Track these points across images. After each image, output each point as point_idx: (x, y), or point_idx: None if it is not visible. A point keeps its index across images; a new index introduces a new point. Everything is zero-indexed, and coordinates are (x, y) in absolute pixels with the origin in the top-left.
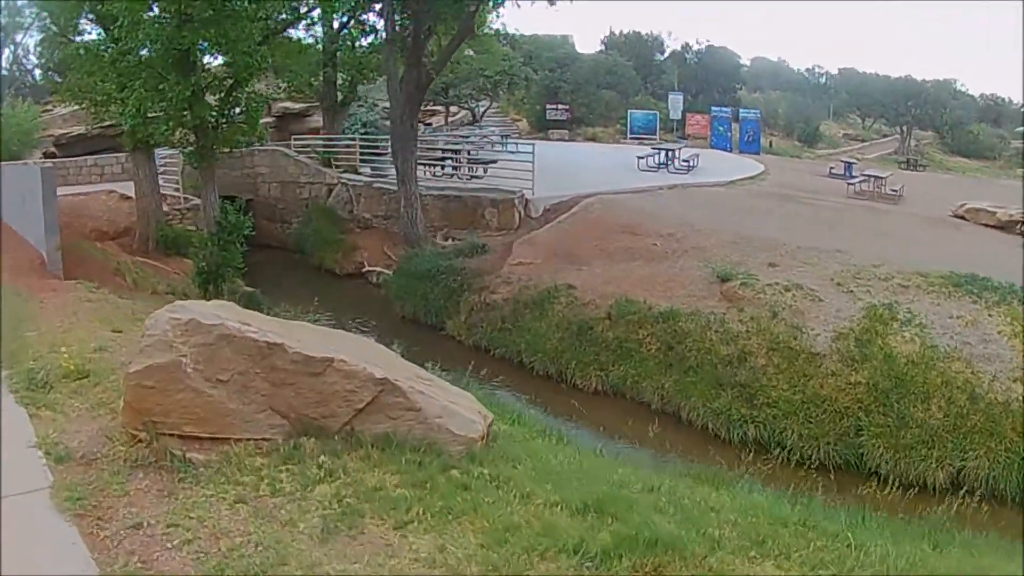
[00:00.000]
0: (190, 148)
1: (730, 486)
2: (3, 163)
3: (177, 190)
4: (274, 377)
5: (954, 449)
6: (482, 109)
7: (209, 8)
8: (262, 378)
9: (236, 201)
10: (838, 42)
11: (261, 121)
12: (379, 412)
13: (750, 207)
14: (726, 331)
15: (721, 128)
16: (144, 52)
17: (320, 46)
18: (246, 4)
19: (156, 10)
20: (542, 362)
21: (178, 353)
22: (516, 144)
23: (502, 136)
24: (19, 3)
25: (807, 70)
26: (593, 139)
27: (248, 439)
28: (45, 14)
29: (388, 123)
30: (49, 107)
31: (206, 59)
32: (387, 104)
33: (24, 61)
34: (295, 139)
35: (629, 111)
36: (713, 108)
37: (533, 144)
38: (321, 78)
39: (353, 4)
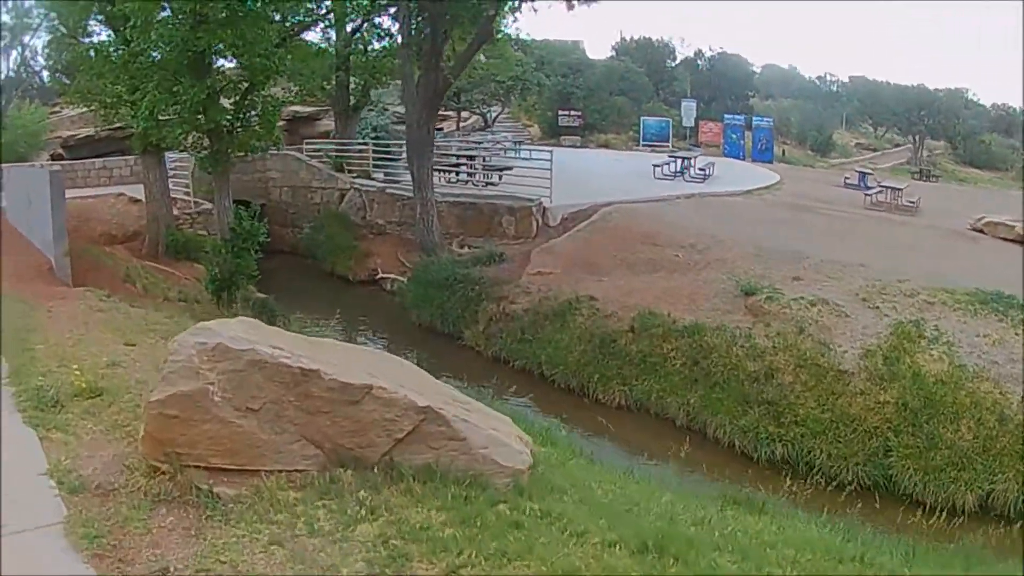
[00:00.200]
0: (204, 152)
1: (773, 514)
2: (10, 165)
3: (187, 194)
4: (308, 405)
5: (983, 471)
6: (494, 115)
7: (225, 8)
8: (295, 406)
9: (251, 207)
10: (847, 48)
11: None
12: (420, 442)
13: (768, 218)
14: (752, 347)
15: (734, 136)
16: (156, 54)
17: (333, 50)
18: (262, 5)
19: (169, 11)
20: (563, 375)
21: (205, 380)
22: (529, 151)
23: (515, 142)
24: (27, 4)
25: (818, 78)
26: (605, 146)
27: (280, 471)
28: (54, 15)
29: (399, 128)
30: (57, 109)
31: (218, 62)
32: (398, 109)
33: (32, 63)
34: (306, 143)
35: (642, 118)
36: (726, 116)
37: (551, 151)
38: (334, 82)
39: (367, 7)
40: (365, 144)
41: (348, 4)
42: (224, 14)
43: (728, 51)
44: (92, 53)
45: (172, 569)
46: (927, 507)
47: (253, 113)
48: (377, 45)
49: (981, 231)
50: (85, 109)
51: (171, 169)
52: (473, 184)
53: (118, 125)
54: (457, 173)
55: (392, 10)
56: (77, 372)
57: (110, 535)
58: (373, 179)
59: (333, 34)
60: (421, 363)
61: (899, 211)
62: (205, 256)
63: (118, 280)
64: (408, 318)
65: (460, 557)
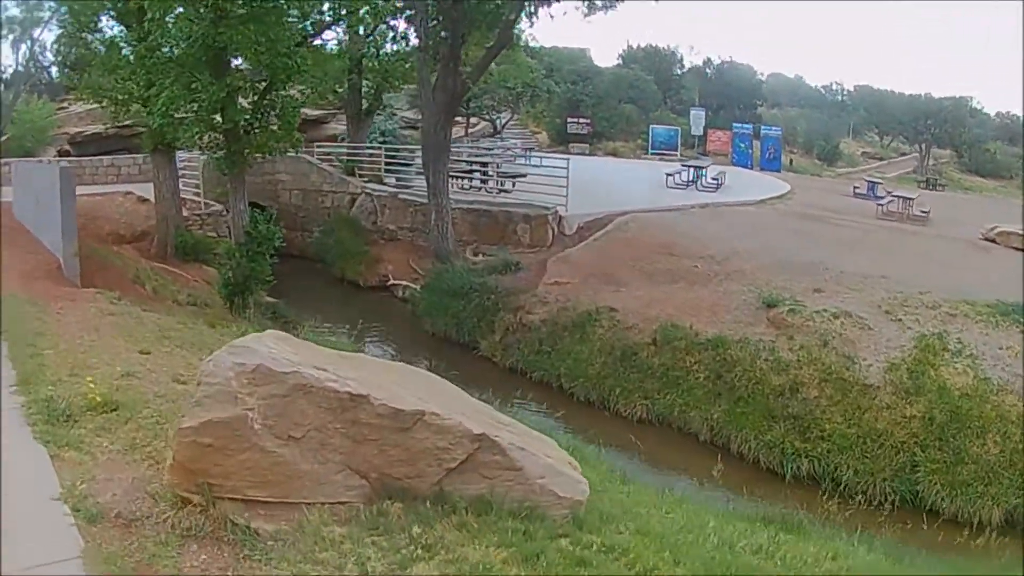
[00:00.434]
0: (220, 153)
1: (815, 536)
2: (17, 160)
3: (197, 194)
4: (355, 433)
5: (1009, 486)
6: (503, 121)
7: (246, 4)
8: (342, 434)
9: (266, 211)
10: (850, 54)
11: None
12: (474, 471)
13: (783, 228)
14: (776, 360)
15: (742, 145)
16: (168, 50)
17: (347, 52)
18: (285, 1)
19: (187, 6)
20: (583, 388)
21: (243, 406)
22: (540, 158)
23: (525, 149)
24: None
25: (824, 87)
26: (614, 154)
27: (323, 503)
28: (64, 9)
29: (407, 133)
30: (64, 105)
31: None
32: (406, 114)
33: (40, 58)
34: (317, 146)
35: (651, 126)
36: (735, 124)
37: (568, 159)
38: (346, 85)
39: (390, 8)
40: (377, 148)
41: (372, 5)
42: (244, 10)
43: (736, 60)
44: (104, 48)
45: None
46: (954, 522)
47: (272, 114)
48: (390, 48)
49: (993, 241)
50: (94, 105)
51: (180, 169)
52: (487, 191)
53: (126, 123)
54: (470, 179)
55: (408, 13)
56: (91, 383)
57: (135, 574)
58: (384, 184)
59: (344, 36)
60: (437, 373)
61: (911, 221)
62: (215, 259)
63: (127, 281)
64: (421, 326)
65: None
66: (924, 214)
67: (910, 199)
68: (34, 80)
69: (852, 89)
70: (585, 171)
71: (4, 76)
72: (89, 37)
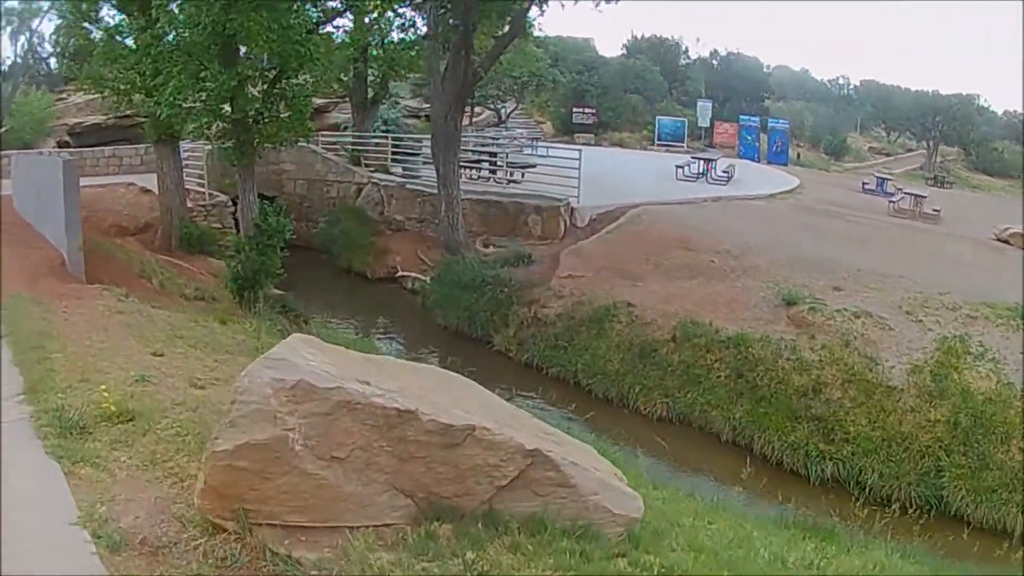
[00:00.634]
0: (229, 143)
1: (853, 544)
2: (17, 152)
3: (201, 185)
4: (402, 451)
5: None
6: (508, 111)
7: None
8: (387, 453)
9: (276, 202)
10: (854, 48)
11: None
12: (525, 488)
13: (796, 223)
14: (799, 360)
15: (749, 138)
16: (171, 37)
17: (351, 40)
18: None
19: None
20: (601, 384)
21: (283, 427)
22: (547, 148)
23: (530, 139)
24: None
25: (830, 81)
26: (619, 144)
27: (367, 527)
28: None
29: (410, 121)
30: (63, 96)
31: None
32: (409, 102)
33: (39, 48)
34: (322, 136)
35: (657, 117)
36: (742, 117)
37: (580, 150)
38: (351, 73)
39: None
40: (383, 138)
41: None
42: None
43: (746, 53)
44: (106, 37)
45: None
46: (979, 528)
47: (283, 103)
48: (396, 36)
49: (1007, 242)
50: (93, 96)
51: (183, 159)
52: (495, 181)
53: (126, 113)
54: (479, 170)
55: (416, 1)
56: (104, 391)
57: None
58: (391, 174)
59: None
60: (451, 368)
61: (922, 219)
62: (221, 251)
63: (133, 275)
64: (431, 319)
65: None
66: (935, 212)
67: (922, 197)
68: (32, 71)
69: (858, 84)
70: (592, 162)
71: (2, 68)
72: (89, 26)
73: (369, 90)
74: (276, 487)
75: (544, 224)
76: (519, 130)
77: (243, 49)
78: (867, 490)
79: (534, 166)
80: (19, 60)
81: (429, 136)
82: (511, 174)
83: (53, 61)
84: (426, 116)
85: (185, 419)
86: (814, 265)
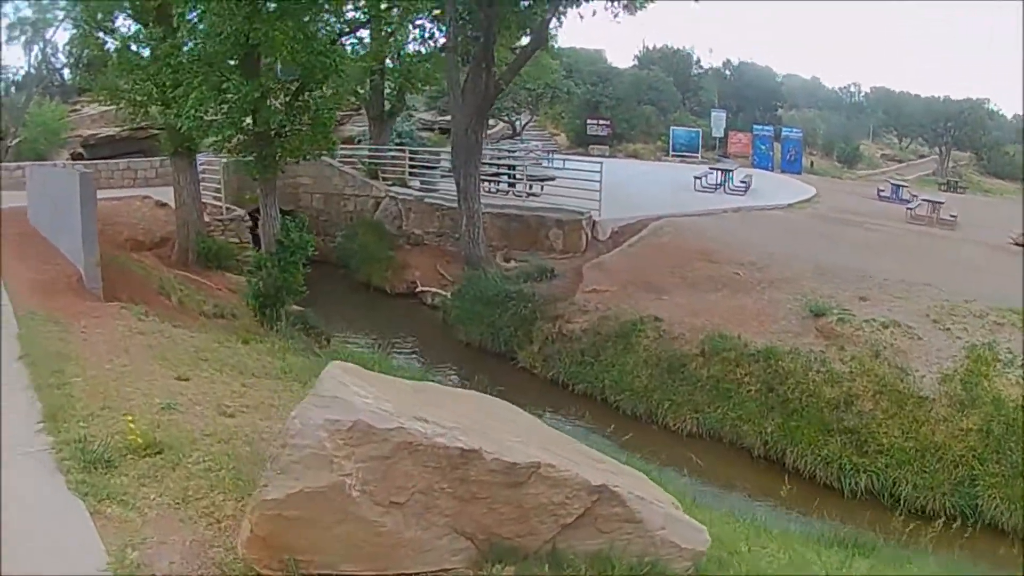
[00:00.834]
0: (250, 157)
1: (895, 558)
2: (31, 163)
3: (218, 199)
4: (463, 492)
5: None
6: (522, 123)
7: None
8: (449, 494)
9: (298, 217)
10: (858, 53)
11: None
12: (590, 526)
13: (815, 232)
14: (829, 371)
15: (763, 147)
16: (189, 47)
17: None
18: None
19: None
20: (630, 400)
21: (340, 472)
22: (563, 160)
23: (546, 151)
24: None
25: (841, 88)
26: (634, 156)
27: (425, 573)
28: (79, 8)
29: (424, 135)
30: (77, 107)
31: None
32: (423, 115)
33: (53, 60)
34: (339, 148)
35: (671, 128)
36: (755, 126)
37: (600, 162)
38: (368, 86)
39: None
40: (401, 151)
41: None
42: (276, 4)
43: (759, 63)
44: (122, 47)
45: None
46: (1015, 537)
47: (306, 116)
48: (411, 48)
49: (1023, 246)
50: (107, 108)
51: (200, 172)
52: (515, 195)
53: (141, 125)
54: (497, 183)
55: (435, 12)
56: (129, 421)
57: None
58: (409, 187)
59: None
60: (476, 386)
61: (939, 225)
62: (239, 266)
63: (151, 292)
64: (453, 335)
65: None
66: (952, 218)
67: (939, 203)
68: (46, 82)
69: (868, 91)
70: (608, 173)
71: (16, 78)
72: (104, 36)
73: (386, 103)
74: (330, 536)
75: (566, 238)
76: (534, 142)
77: (266, 59)
78: (901, 502)
79: (553, 179)
80: (33, 71)
81: (446, 149)
82: (530, 187)
83: (67, 72)
84: (440, 129)
85: (217, 451)
86: (838, 275)
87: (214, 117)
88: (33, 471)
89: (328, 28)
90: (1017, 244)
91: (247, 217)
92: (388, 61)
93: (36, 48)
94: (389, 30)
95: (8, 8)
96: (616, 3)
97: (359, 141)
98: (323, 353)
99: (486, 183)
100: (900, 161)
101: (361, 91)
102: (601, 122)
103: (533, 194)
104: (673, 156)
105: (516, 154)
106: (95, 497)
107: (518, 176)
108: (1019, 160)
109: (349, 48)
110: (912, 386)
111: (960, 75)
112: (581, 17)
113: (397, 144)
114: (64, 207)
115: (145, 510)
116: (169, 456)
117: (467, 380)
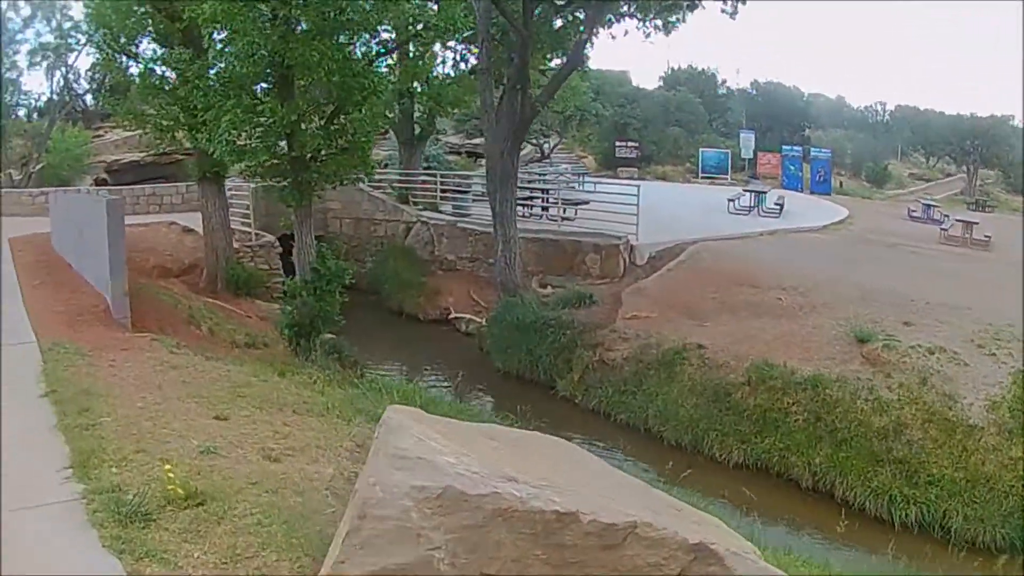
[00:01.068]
0: (285, 183)
1: None
2: (55, 189)
3: (247, 224)
4: (557, 558)
5: None
6: (551, 146)
7: (317, 16)
8: (543, 561)
9: (335, 245)
10: (890, 75)
11: None
12: None
13: (852, 255)
14: (877, 400)
15: (792, 168)
16: (214, 71)
17: (401, 75)
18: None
19: (246, 23)
20: (674, 431)
21: (428, 546)
22: (594, 183)
23: (576, 174)
24: (71, 23)
25: (867, 107)
26: (663, 178)
27: None
28: (104, 31)
29: (451, 158)
30: (100, 132)
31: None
32: (450, 138)
33: (75, 85)
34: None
35: (700, 149)
36: (784, 147)
37: (638, 185)
38: (397, 110)
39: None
40: (431, 175)
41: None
42: (310, 25)
43: (786, 83)
44: (146, 70)
45: None
46: None
47: (342, 140)
48: (439, 72)
49: None
50: (130, 133)
51: (227, 198)
52: (549, 219)
53: (165, 150)
54: (531, 207)
55: (468, 34)
56: (168, 469)
57: None
58: (441, 212)
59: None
60: (523, 418)
61: (973, 246)
62: (268, 293)
63: (180, 321)
64: (489, 363)
65: None
66: (987, 239)
67: (973, 223)
68: (69, 108)
69: (893, 109)
70: (641, 196)
71: (38, 104)
72: (127, 61)
73: (415, 127)
74: None
75: (603, 262)
76: (564, 165)
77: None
78: (952, 534)
79: (587, 202)
80: (55, 96)
81: (476, 173)
82: (563, 211)
83: (89, 97)
84: (467, 152)
85: (265, 502)
86: (880, 299)
87: (247, 141)
88: (62, 525)
89: (365, 48)
90: None
91: (277, 243)
92: (416, 84)
93: (58, 74)
94: (421, 51)
95: (30, 34)
96: (648, 24)
97: (385, 165)
98: (361, 384)
99: (520, 207)
100: (928, 180)
101: (390, 115)
102: (630, 144)
103: (567, 218)
104: (702, 178)
105: (547, 177)
106: (132, 555)
107: (551, 200)
108: None
109: (385, 69)
110: (961, 414)
111: (983, 86)
112: (613, 37)
113: (425, 167)
114: (90, 233)
115: (189, 570)
116: (212, 508)
117: (510, 411)
